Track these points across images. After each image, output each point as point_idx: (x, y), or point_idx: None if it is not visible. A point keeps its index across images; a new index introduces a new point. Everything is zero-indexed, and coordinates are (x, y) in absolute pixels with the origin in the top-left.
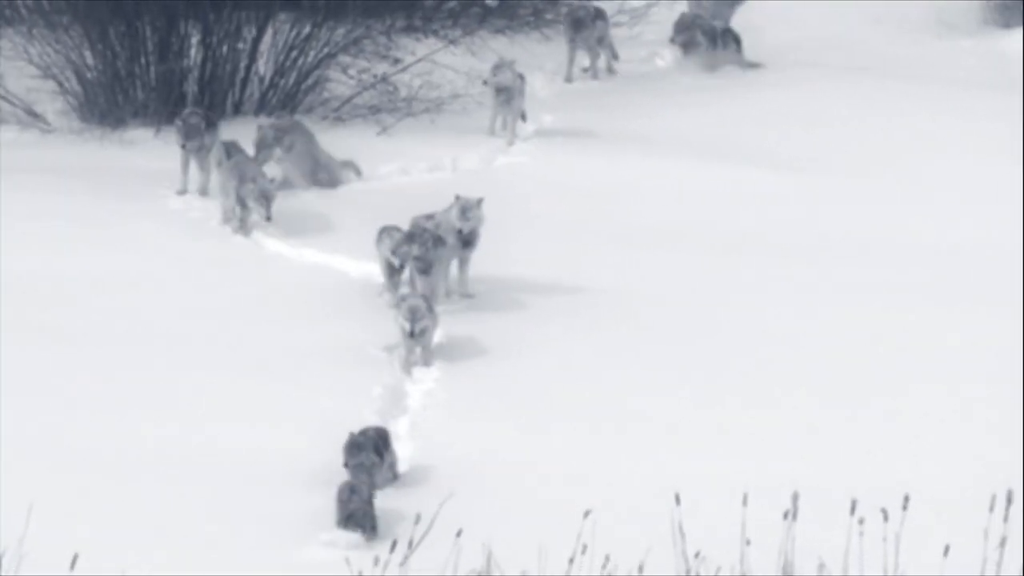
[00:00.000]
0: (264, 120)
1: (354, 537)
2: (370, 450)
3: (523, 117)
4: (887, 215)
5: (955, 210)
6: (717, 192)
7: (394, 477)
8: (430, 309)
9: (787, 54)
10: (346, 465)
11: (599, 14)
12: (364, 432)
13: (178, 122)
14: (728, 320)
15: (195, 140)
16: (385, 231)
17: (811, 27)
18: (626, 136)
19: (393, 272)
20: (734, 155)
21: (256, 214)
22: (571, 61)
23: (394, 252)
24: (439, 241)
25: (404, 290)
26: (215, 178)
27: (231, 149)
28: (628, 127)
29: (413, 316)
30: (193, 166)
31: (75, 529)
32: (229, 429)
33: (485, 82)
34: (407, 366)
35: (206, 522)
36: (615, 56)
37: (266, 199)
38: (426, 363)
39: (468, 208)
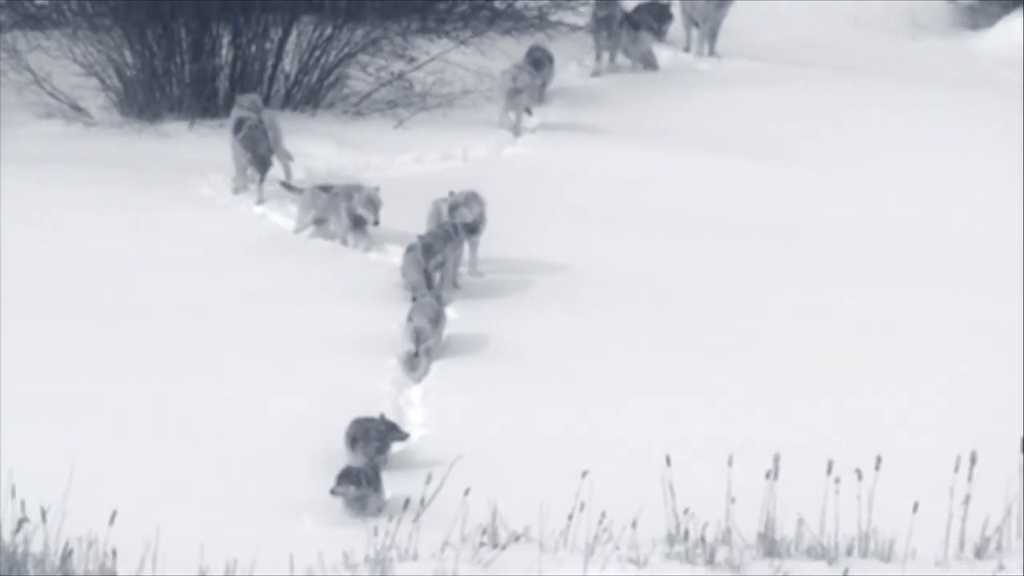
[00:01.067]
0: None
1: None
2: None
3: (528, 111)
4: (865, 202)
5: (926, 197)
6: (708, 180)
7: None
8: (436, 324)
9: (772, 54)
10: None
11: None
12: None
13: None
14: (718, 298)
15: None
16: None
17: (794, 28)
18: (623, 129)
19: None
20: (724, 146)
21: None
22: (598, 57)
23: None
24: (449, 237)
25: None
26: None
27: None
28: (626, 120)
29: (418, 337)
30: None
31: (113, 487)
32: (254, 395)
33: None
34: (415, 376)
35: (232, 479)
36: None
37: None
38: (427, 370)
39: (468, 202)
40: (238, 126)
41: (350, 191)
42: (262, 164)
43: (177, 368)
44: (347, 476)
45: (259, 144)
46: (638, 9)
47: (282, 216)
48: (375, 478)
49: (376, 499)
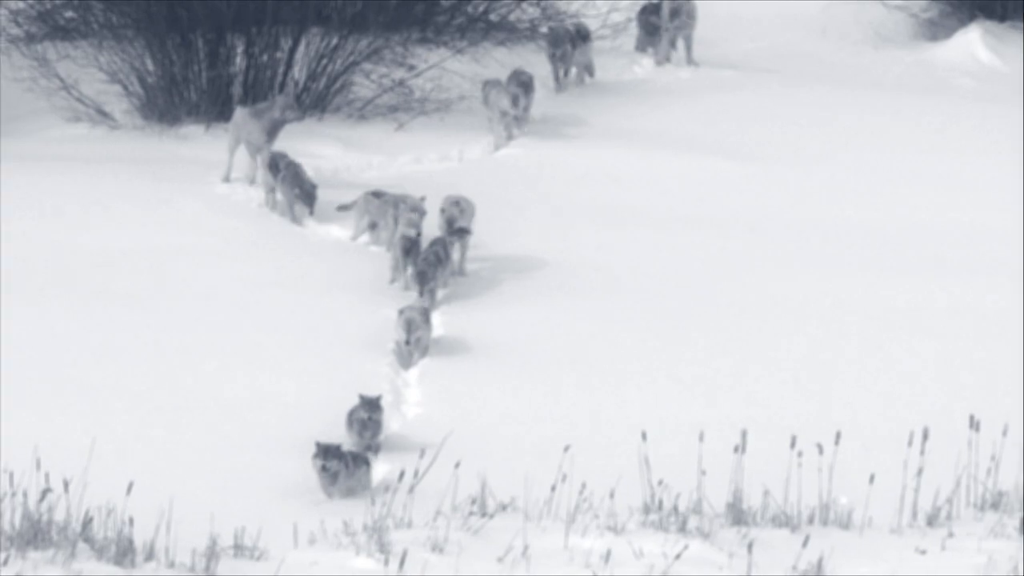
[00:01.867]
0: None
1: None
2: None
3: (511, 136)
4: (830, 198)
5: (887, 193)
6: (685, 178)
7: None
8: (426, 320)
9: (747, 62)
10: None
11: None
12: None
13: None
14: (692, 286)
15: None
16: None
17: (768, 39)
18: (607, 132)
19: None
20: (700, 147)
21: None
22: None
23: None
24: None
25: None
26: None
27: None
28: (609, 125)
29: (409, 327)
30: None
31: (130, 461)
32: (261, 377)
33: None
34: (405, 365)
35: (241, 455)
36: (590, 73)
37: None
38: (417, 360)
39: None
40: (274, 165)
41: (398, 200)
42: (309, 198)
43: (190, 351)
44: (324, 451)
45: (302, 179)
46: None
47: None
48: (352, 459)
49: (346, 478)
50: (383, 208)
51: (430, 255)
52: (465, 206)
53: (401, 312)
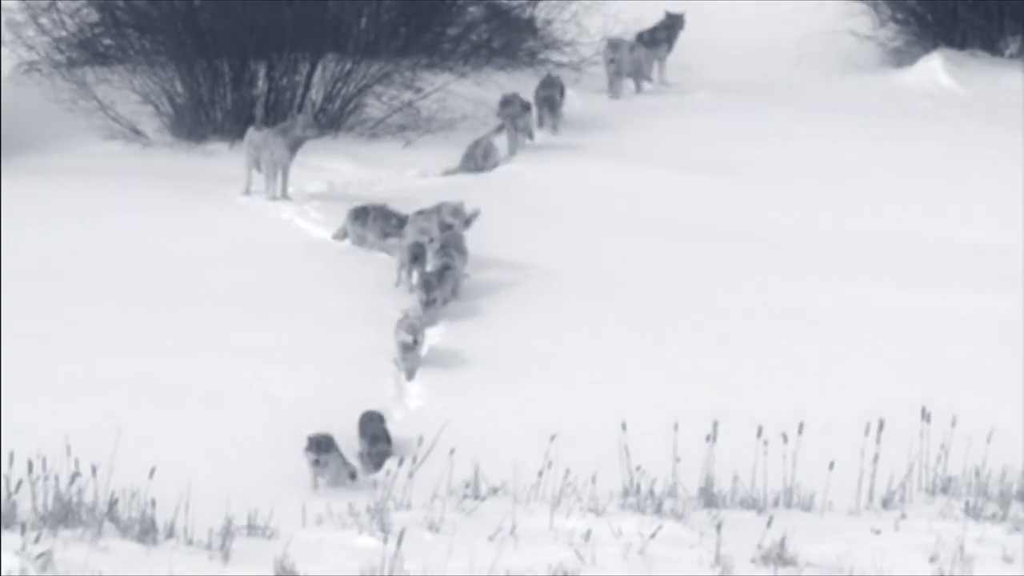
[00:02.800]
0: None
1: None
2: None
3: (530, 136)
4: (801, 209)
5: (853, 205)
6: (668, 192)
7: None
8: (422, 327)
9: (726, 87)
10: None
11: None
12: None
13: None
14: (672, 289)
15: None
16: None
17: (747, 66)
18: (599, 150)
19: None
20: (682, 163)
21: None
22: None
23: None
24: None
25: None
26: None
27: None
28: (600, 143)
29: (413, 330)
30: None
31: (152, 448)
32: (274, 372)
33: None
34: (409, 373)
35: (255, 443)
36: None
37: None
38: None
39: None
40: (363, 213)
41: (439, 207)
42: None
43: (208, 349)
44: (315, 444)
45: (389, 222)
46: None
47: (306, 222)
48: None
49: (334, 467)
50: (428, 221)
51: (439, 265)
52: (458, 210)
53: (399, 321)
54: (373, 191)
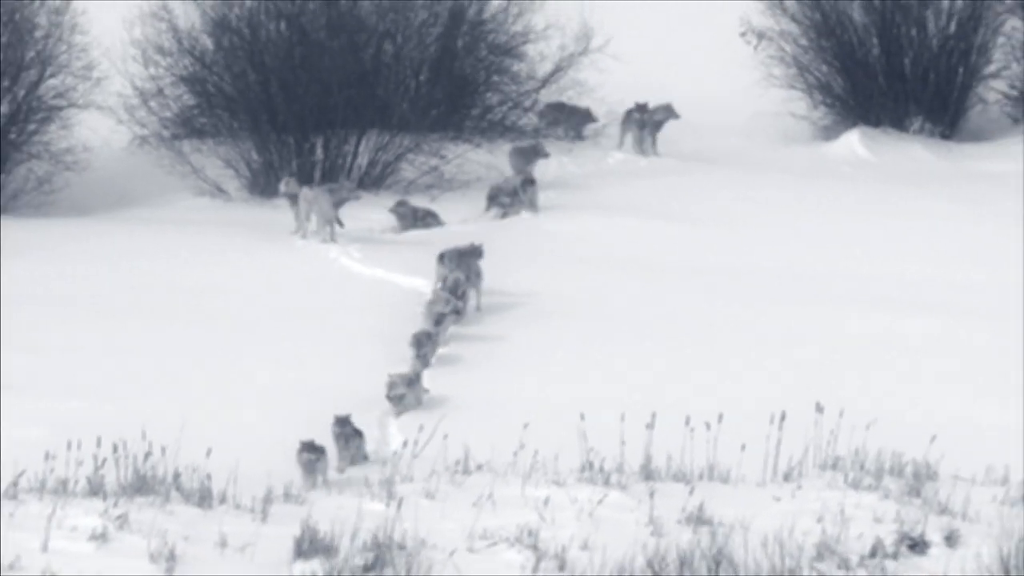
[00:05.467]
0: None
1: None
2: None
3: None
4: (749, 251)
5: (787, 246)
6: (645, 237)
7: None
8: (413, 381)
9: (691, 156)
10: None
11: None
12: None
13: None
14: (640, 311)
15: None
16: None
17: (707, 139)
18: (592, 205)
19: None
20: (658, 215)
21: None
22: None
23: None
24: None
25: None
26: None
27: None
28: (593, 200)
29: (395, 387)
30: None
31: (209, 434)
32: (310, 374)
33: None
34: (397, 414)
35: (290, 430)
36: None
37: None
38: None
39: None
40: (442, 257)
41: (473, 250)
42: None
43: (258, 355)
44: (306, 446)
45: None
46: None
47: (349, 260)
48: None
49: (324, 463)
50: (464, 263)
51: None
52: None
53: (389, 376)
54: (405, 236)
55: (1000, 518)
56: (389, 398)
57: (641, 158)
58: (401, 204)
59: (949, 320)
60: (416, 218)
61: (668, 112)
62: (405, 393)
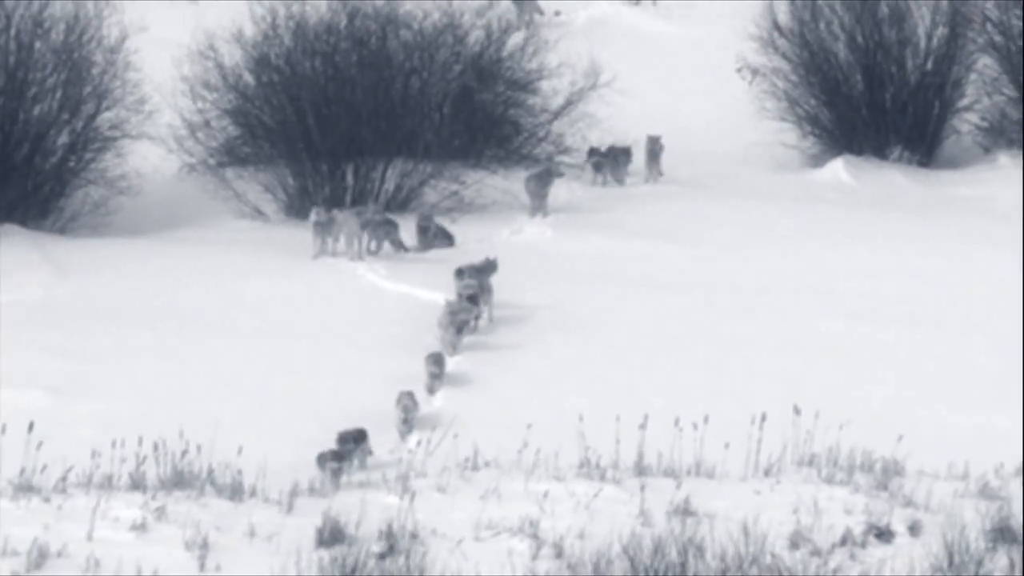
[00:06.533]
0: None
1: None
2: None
3: (544, 213)
4: (743, 268)
5: (781, 262)
6: (647, 255)
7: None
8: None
9: (689, 182)
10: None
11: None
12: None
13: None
14: (639, 325)
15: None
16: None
17: (704, 165)
18: (600, 225)
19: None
20: (658, 235)
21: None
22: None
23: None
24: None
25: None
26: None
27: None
28: (598, 220)
29: (405, 412)
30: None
31: (241, 434)
32: (338, 381)
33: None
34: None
35: (316, 432)
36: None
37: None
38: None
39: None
40: (460, 272)
41: (488, 265)
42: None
43: (291, 362)
44: (328, 455)
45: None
46: (609, 150)
47: (375, 277)
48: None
49: (346, 467)
50: (480, 276)
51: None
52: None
53: (399, 398)
54: (427, 255)
55: (954, 509)
56: (403, 421)
57: (643, 184)
58: (425, 219)
59: (918, 330)
60: (432, 235)
61: (627, 154)
62: (414, 412)
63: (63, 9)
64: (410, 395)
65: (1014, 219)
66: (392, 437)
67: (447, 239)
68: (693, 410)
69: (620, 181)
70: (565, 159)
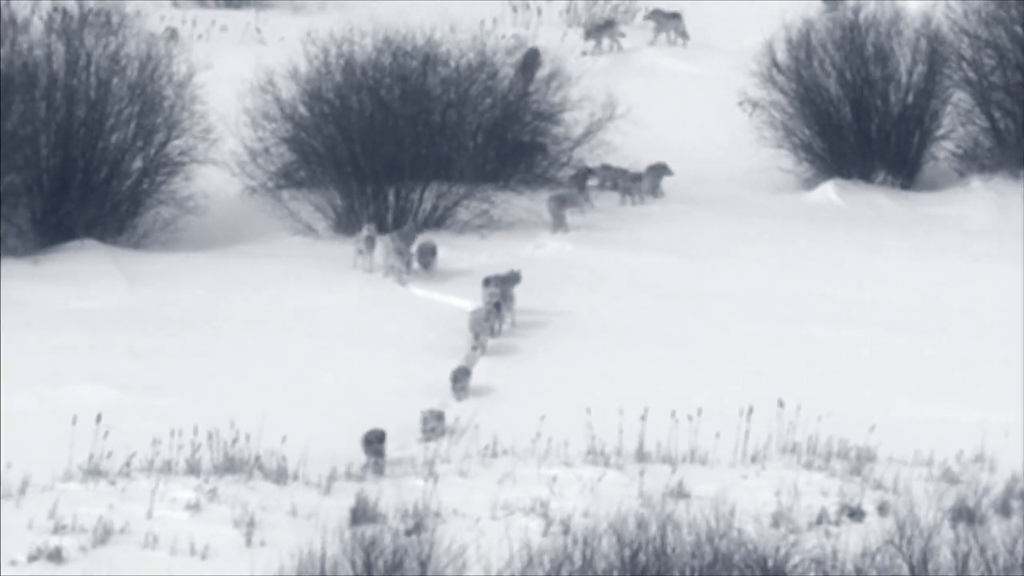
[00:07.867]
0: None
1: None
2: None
3: (565, 230)
4: (744, 279)
5: (776, 273)
6: (655, 268)
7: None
8: (440, 418)
9: (697, 202)
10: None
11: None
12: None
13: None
14: (642, 328)
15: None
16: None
17: (708, 187)
18: (615, 241)
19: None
20: (666, 249)
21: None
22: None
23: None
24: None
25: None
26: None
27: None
28: (614, 237)
29: (424, 421)
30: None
31: (285, 425)
32: (370, 377)
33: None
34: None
35: (352, 422)
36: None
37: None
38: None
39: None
40: (486, 282)
41: (513, 276)
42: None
43: (333, 362)
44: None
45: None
46: (650, 168)
47: (412, 286)
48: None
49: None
50: (505, 288)
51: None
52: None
53: (422, 412)
54: (458, 267)
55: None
56: (423, 431)
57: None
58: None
59: (894, 333)
60: (423, 253)
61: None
62: (436, 426)
63: (137, 48)
64: (437, 416)
65: (984, 236)
66: (416, 437)
67: (433, 257)
68: (688, 403)
69: (635, 200)
70: (589, 182)
